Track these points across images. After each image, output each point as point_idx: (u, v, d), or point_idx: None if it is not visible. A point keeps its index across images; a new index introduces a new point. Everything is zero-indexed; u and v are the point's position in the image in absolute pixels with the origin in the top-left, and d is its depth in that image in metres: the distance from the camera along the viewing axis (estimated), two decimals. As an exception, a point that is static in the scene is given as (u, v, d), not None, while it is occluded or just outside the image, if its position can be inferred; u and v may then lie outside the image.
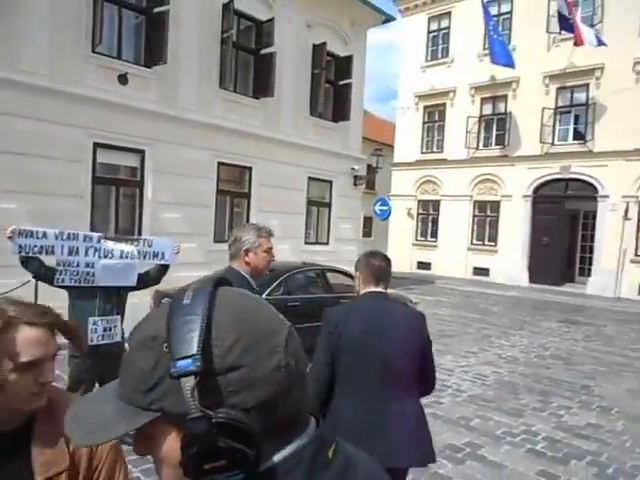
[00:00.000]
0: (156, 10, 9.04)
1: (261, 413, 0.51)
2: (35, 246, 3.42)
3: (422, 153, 20.83)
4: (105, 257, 3.63)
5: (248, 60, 11.24)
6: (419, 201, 20.99)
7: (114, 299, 3.65)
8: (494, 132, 18.80)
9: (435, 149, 20.53)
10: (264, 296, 5.74)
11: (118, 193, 9.04)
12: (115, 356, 3.31)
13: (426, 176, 20.48)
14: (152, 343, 0.53)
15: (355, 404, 2.18)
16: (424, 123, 20.88)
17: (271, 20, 10.98)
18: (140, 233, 8.72)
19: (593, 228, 16.82)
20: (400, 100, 21.58)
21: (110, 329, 3.58)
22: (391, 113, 26.92)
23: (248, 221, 10.40)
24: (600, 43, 15.02)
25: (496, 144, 18.65)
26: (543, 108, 16.96)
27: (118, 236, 4.27)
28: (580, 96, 16.72)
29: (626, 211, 15.38)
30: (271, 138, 11.29)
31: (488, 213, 18.96)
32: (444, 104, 20.10)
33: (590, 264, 16.95)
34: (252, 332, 0.54)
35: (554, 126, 17.13)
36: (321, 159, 12.56)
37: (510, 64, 16.45)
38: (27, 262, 3.43)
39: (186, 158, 9.67)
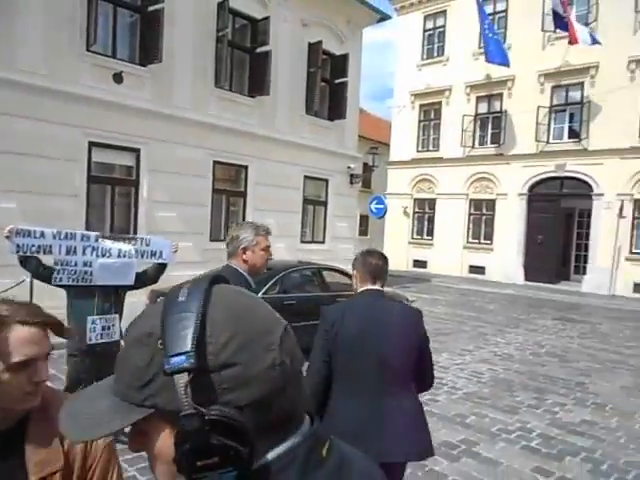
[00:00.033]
0: (151, 8, 9.01)
1: (255, 411, 0.51)
2: (33, 245, 3.42)
3: (418, 151, 20.85)
4: (103, 256, 3.63)
5: (243, 59, 11.22)
6: (415, 199, 21.02)
7: (112, 298, 3.65)
8: (489, 130, 18.84)
9: (431, 147, 20.55)
10: (260, 295, 5.74)
11: (113, 192, 9.02)
12: (113, 355, 3.28)
13: (422, 174, 20.51)
14: (147, 340, 0.54)
15: (352, 402, 2.19)
16: (420, 121, 20.90)
17: (266, 19, 10.96)
18: (136, 232, 8.70)
19: (588, 226, 16.89)
20: (396, 98, 21.59)
21: (108, 328, 3.59)
22: (387, 111, 26.96)
23: (244, 220, 10.39)
24: (594, 42, 15.07)
25: (491, 142, 18.69)
26: (538, 106, 17.01)
27: (116, 235, 4.25)
28: (575, 94, 16.77)
29: (621, 209, 15.45)
30: (267, 137, 11.28)
31: (484, 211, 19.01)
32: (440, 102, 20.13)
33: (585, 262, 17.02)
34: (247, 330, 0.54)
35: (549, 124, 17.18)
36: (317, 157, 12.56)
37: (505, 63, 16.49)
38: (25, 261, 3.43)
39: (181, 157, 9.65)
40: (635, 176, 15.33)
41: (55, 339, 1.17)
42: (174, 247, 3.92)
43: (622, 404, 5.67)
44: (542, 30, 16.81)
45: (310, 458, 0.55)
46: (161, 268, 3.88)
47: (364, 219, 23.11)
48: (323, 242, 13.28)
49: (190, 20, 9.81)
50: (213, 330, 0.52)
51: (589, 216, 16.72)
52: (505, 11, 18.24)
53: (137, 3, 9.18)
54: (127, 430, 0.55)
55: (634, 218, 15.56)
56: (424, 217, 20.84)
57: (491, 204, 18.72)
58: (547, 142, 17.11)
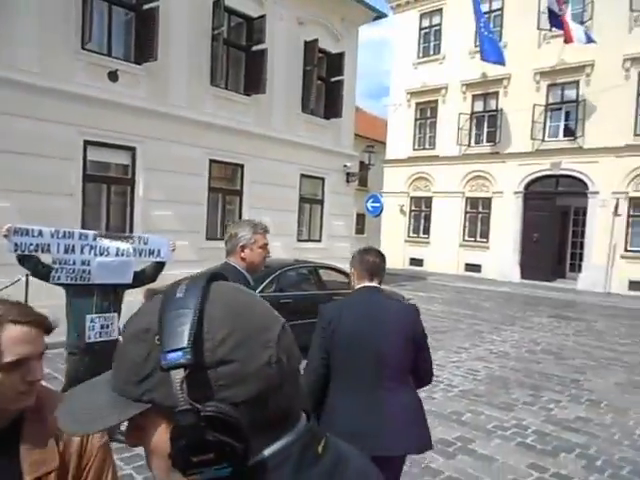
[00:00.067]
0: (146, 7, 8.97)
1: (251, 408, 0.52)
2: (31, 244, 3.41)
3: (414, 150, 20.87)
4: (101, 255, 3.63)
5: (239, 57, 11.19)
6: (411, 198, 21.05)
7: (111, 297, 3.65)
8: (485, 129, 18.88)
9: (427, 146, 20.58)
10: (256, 293, 5.73)
11: (109, 191, 8.98)
12: (112, 353, 3.30)
13: (418, 173, 20.54)
14: (144, 335, 0.54)
15: (351, 399, 2.20)
16: (416, 120, 20.92)
17: (262, 17, 10.94)
18: (132, 231, 8.68)
19: (584, 224, 16.95)
20: (392, 97, 21.60)
21: (107, 326, 3.59)
22: (383, 110, 26.95)
23: (240, 218, 10.39)
24: (589, 40, 15.11)
25: (487, 141, 18.73)
26: (534, 105, 17.05)
27: (114, 234, 4.24)
28: (570, 93, 16.83)
29: (616, 207, 15.52)
30: (263, 135, 11.26)
31: (480, 210, 19.06)
32: (436, 101, 20.15)
33: (581, 260, 17.10)
34: (244, 327, 0.54)
35: (545, 123, 17.23)
36: (313, 156, 12.55)
37: (500, 61, 16.52)
38: (24, 260, 3.43)
39: (177, 155, 9.63)
40: (630, 174, 15.41)
41: (53, 338, 1.17)
42: (172, 245, 3.93)
43: (616, 401, 5.70)
44: (538, 28, 16.85)
45: (305, 455, 0.56)
46: (159, 266, 3.88)
47: (360, 217, 23.11)
48: (319, 240, 13.28)
49: (185, 18, 9.78)
50: (210, 327, 0.52)
51: (584, 214, 16.79)
52: (501, 9, 18.27)
53: (132, 1, 9.14)
54: (124, 427, 0.56)
55: (629, 216, 15.63)
56: (420, 215, 20.88)
57: (487, 202, 18.77)
58: (543, 140, 17.16)
